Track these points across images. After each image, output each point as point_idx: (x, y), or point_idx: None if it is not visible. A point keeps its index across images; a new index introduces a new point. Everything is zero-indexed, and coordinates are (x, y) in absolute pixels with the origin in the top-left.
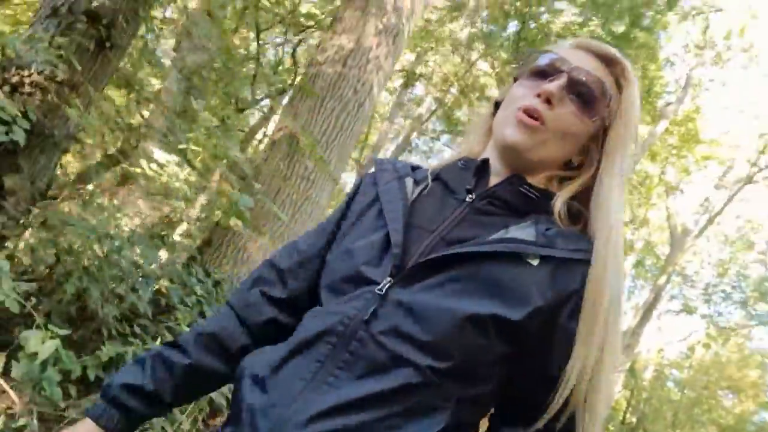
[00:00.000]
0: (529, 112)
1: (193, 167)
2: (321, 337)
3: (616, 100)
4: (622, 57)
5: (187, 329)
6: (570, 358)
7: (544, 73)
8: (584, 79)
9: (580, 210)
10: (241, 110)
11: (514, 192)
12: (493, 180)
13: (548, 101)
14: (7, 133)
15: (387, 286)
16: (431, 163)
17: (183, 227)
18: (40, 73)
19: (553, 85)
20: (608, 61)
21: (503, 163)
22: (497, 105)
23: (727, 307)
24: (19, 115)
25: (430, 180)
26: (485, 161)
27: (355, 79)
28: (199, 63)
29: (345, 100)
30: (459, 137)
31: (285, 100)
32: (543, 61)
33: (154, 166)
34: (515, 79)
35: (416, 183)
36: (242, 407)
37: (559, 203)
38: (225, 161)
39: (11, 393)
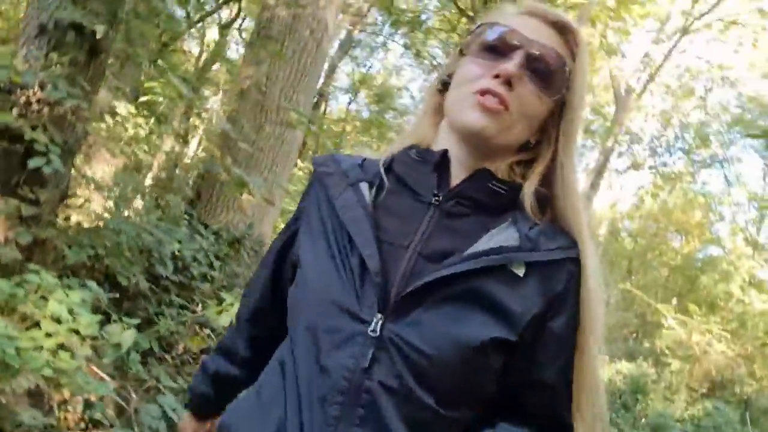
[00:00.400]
0: (491, 95)
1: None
2: (325, 398)
3: (572, 70)
4: (573, 23)
5: (203, 284)
6: (560, 359)
7: (496, 49)
8: (542, 54)
9: (546, 195)
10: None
11: (483, 189)
12: (455, 172)
13: (508, 83)
14: (47, 163)
15: (379, 325)
16: (379, 154)
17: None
18: (43, 89)
19: (511, 65)
20: (561, 29)
21: (463, 150)
22: (444, 83)
23: (672, 157)
24: (49, 142)
25: (386, 180)
26: (444, 155)
27: (310, 18)
28: None
29: (303, 41)
30: (402, 28)
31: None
32: (493, 35)
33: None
34: (461, 52)
35: (370, 186)
36: None
37: (528, 198)
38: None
39: (105, 376)
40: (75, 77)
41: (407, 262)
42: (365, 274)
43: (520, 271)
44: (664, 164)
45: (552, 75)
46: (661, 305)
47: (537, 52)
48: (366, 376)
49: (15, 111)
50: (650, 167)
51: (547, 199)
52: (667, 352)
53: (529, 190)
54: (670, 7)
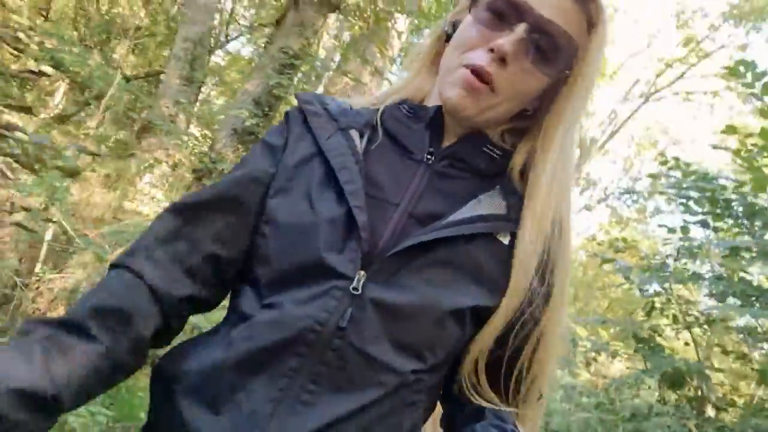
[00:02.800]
0: (478, 73)
1: None
2: (287, 348)
3: (582, 46)
4: None
5: None
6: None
7: (500, 15)
8: (547, 29)
9: (529, 165)
10: None
11: (477, 152)
12: (450, 133)
13: (502, 59)
14: None
15: (361, 283)
16: (365, 101)
17: None
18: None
19: (508, 42)
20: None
21: (448, 114)
22: (447, 36)
23: (623, 200)
24: None
25: (380, 132)
26: (438, 112)
27: None
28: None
29: None
30: None
31: None
32: None
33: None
34: (473, 2)
35: (361, 134)
36: None
37: (516, 169)
38: None
39: None
40: None
41: (395, 221)
42: (351, 227)
43: (506, 240)
44: (622, 207)
45: (554, 53)
46: (579, 329)
47: (542, 27)
48: (339, 334)
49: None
50: (607, 205)
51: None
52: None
53: (516, 161)
54: (636, 77)
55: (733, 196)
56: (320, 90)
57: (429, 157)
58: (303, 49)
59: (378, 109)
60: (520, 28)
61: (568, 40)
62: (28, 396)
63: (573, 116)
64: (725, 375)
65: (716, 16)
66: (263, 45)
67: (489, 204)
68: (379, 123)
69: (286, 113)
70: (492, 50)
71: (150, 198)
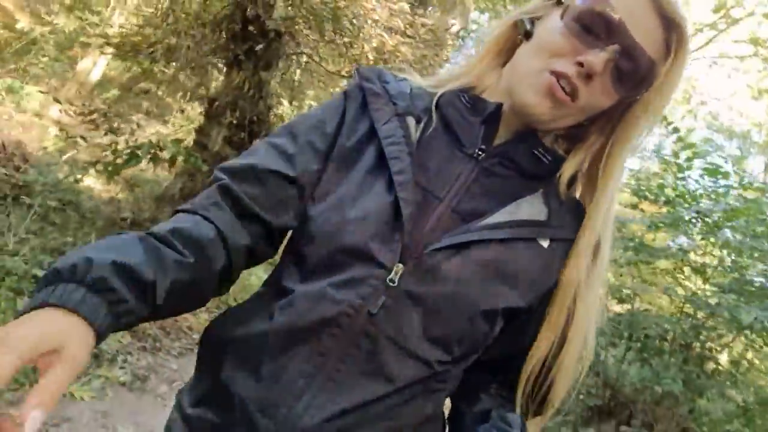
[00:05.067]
0: (564, 84)
1: None
2: (323, 327)
3: (660, 71)
4: (684, 20)
5: None
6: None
7: (592, 30)
8: (635, 56)
9: (577, 175)
10: None
11: (528, 155)
12: (503, 130)
13: (588, 76)
14: None
15: (399, 275)
16: (426, 82)
17: None
18: None
19: (599, 61)
20: (668, 24)
21: (514, 112)
22: (526, 32)
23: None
24: None
25: (435, 119)
26: (498, 109)
27: None
28: None
29: None
30: None
31: None
32: (598, 11)
33: None
34: (558, 2)
35: (417, 121)
36: (232, 395)
37: (566, 175)
38: None
39: None
40: None
41: (438, 216)
42: (396, 218)
43: (545, 243)
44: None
45: (634, 78)
46: None
47: (631, 52)
48: (370, 320)
49: None
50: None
51: (578, 178)
52: None
53: (569, 169)
54: None
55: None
56: None
57: (480, 153)
58: None
59: (437, 93)
60: (612, 49)
61: (651, 67)
62: (129, 271)
63: (638, 140)
64: None
65: None
66: None
67: (530, 208)
68: (434, 110)
69: (345, 91)
70: (581, 64)
71: None
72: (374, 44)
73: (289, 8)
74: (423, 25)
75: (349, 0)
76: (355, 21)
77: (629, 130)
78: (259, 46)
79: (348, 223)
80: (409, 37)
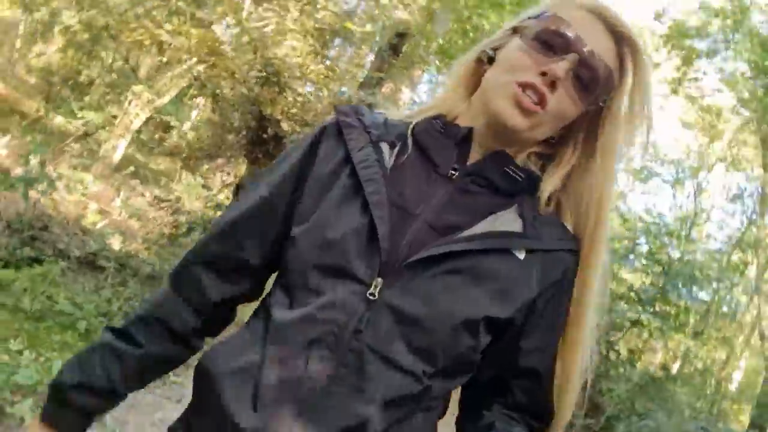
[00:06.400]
0: (532, 93)
1: None
2: (311, 350)
3: (617, 82)
4: (634, 35)
5: None
6: (550, 347)
7: (550, 44)
8: (593, 64)
9: (555, 190)
10: None
11: (500, 172)
12: (475, 151)
13: (553, 84)
14: None
15: (378, 289)
16: (400, 114)
17: None
18: None
19: (561, 68)
20: (618, 38)
21: (488, 133)
22: (489, 58)
23: None
24: None
25: (410, 145)
26: (469, 133)
27: None
28: None
29: None
30: None
31: None
32: (552, 29)
33: None
34: (515, 30)
35: (391, 147)
36: (231, 426)
37: (546, 194)
38: None
39: None
40: None
41: (414, 231)
42: (373, 236)
43: (521, 255)
44: None
45: (595, 85)
46: None
47: (588, 60)
48: (355, 336)
49: None
50: None
51: (554, 195)
52: None
53: (549, 186)
54: None
55: None
56: None
57: (454, 172)
58: None
59: (411, 122)
60: (571, 57)
61: (609, 74)
62: (88, 388)
63: (613, 148)
64: None
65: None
66: None
67: (505, 221)
68: (410, 136)
69: (324, 126)
70: (544, 74)
71: None
72: None
73: (292, 123)
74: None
75: (318, 77)
76: None
77: (604, 138)
78: (271, 147)
79: (327, 244)
80: None
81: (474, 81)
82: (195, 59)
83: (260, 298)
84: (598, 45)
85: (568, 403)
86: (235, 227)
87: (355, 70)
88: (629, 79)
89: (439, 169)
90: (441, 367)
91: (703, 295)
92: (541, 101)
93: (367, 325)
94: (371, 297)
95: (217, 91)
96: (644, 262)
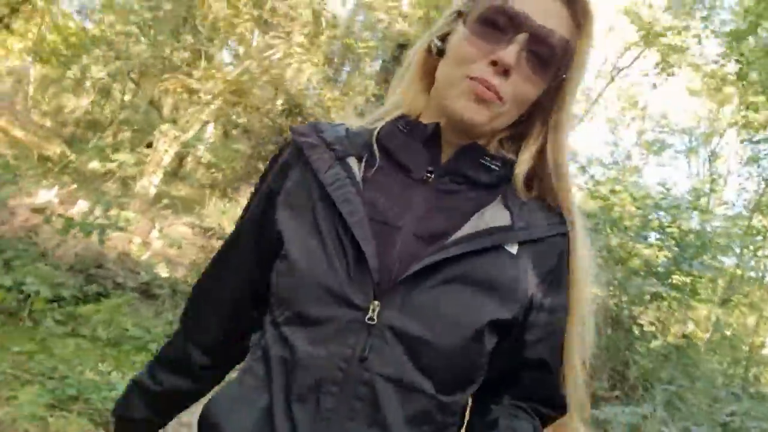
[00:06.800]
0: (484, 85)
1: None
2: (320, 389)
3: (575, 49)
4: None
5: None
6: (554, 335)
7: (495, 26)
8: (545, 38)
9: (533, 172)
10: None
11: (475, 165)
12: (446, 148)
13: (505, 71)
14: None
15: (376, 312)
16: (361, 121)
17: None
18: None
19: (510, 54)
20: (570, 0)
21: (453, 129)
22: (439, 50)
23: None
24: None
25: (378, 154)
26: (435, 129)
27: None
28: None
29: None
30: None
31: None
32: (497, 5)
33: None
34: (459, 14)
35: (359, 160)
36: None
37: (520, 176)
38: None
39: None
40: None
41: (402, 245)
42: (359, 258)
43: (513, 249)
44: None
45: (552, 60)
46: None
47: (540, 36)
48: (363, 366)
49: None
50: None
51: (534, 176)
52: None
53: (522, 168)
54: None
55: None
56: None
57: (429, 175)
58: None
59: (375, 129)
60: (520, 39)
61: (565, 45)
62: (129, 419)
63: (571, 117)
64: None
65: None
66: None
67: (492, 216)
68: (375, 144)
69: (281, 151)
70: (494, 63)
71: None
72: None
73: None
74: None
75: (334, 103)
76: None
77: (564, 109)
78: None
79: (313, 274)
80: None
81: (429, 74)
82: (221, 98)
83: (254, 343)
84: (550, 15)
85: (574, 381)
86: (221, 264)
87: (367, 83)
88: (582, 38)
89: (412, 174)
90: (452, 379)
91: (728, 262)
92: (497, 92)
93: (371, 351)
94: (370, 322)
95: (242, 123)
96: (657, 236)
